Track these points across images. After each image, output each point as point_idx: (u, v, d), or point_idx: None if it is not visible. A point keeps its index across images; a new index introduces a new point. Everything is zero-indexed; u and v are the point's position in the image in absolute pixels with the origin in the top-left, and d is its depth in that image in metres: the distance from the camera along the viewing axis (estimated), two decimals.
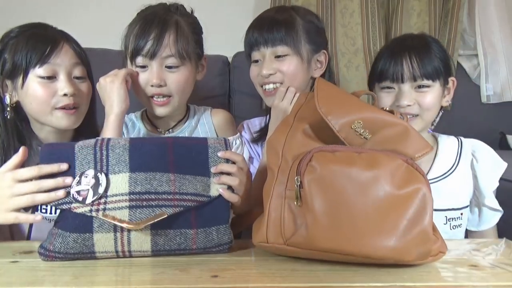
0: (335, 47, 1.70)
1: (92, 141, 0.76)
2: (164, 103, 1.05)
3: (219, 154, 0.77)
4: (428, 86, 1.08)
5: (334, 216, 0.65)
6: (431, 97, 1.08)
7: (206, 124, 1.14)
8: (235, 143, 1.13)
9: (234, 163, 0.79)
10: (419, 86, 1.08)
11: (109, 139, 0.76)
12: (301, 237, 0.66)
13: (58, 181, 0.72)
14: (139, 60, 1.03)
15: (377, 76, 1.12)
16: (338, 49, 1.69)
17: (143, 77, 1.04)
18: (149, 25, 1.02)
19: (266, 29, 1.11)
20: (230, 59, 1.68)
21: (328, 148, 0.70)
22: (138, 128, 1.13)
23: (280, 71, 1.11)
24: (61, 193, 0.71)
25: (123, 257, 0.73)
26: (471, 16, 1.76)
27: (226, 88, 1.65)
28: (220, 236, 0.74)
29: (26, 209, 0.91)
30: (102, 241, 0.70)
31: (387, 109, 0.80)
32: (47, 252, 0.71)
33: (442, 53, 1.11)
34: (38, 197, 0.72)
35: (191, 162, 0.76)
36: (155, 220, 0.70)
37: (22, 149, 0.78)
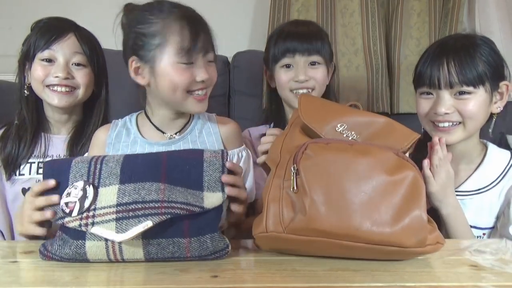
0: (335, 47, 1.69)
1: (89, 157, 0.78)
2: (205, 97, 1.03)
3: (227, 164, 0.77)
4: (469, 93, 0.99)
5: (330, 198, 0.66)
6: (473, 105, 0.99)
7: (213, 134, 1.10)
8: (242, 155, 1.10)
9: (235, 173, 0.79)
10: (460, 93, 0.99)
11: (105, 156, 0.78)
12: (299, 222, 0.67)
13: (47, 199, 0.75)
14: (187, 57, 0.96)
15: (416, 80, 1.06)
16: (338, 49, 1.69)
17: (189, 72, 0.98)
18: (196, 24, 1.00)
19: (306, 39, 1.22)
20: (230, 59, 1.68)
21: (322, 140, 0.74)
22: (134, 137, 1.06)
23: (314, 78, 1.23)
24: (48, 213, 0.74)
25: (116, 262, 0.72)
26: (471, 16, 1.76)
27: (226, 88, 1.65)
28: (215, 243, 0.72)
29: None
30: (94, 249, 0.70)
31: (354, 103, 0.87)
32: (45, 252, 0.71)
33: (491, 55, 1.00)
34: (35, 215, 0.77)
35: (184, 175, 0.74)
36: (140, 231, 0.68)
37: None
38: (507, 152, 1.09)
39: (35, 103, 1.18)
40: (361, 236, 0.65)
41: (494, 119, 1.06)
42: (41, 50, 1.12)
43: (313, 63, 1.23)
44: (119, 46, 1.58)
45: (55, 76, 1.12)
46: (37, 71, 1.13)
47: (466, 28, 1.77)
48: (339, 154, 0.69)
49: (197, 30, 1.00)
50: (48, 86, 1.13)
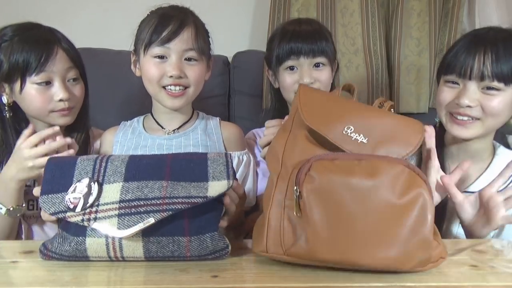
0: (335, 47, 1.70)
1: (95, 155, 0.79)
2: (180, 94, 1.06)
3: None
4: (498, 89, 0.95)
5: (333, 228, 0.63)
6: (498, 102, 0.95)
7: (215, 134, 1.13)
8: (243, 159, 1.12)
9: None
10: (488, 88, 0.95)
11: (110, 155, 0.79)
12: (300, 249, 0.65)
13: (61, 142, 0.92)
14: (157, 50, 1.03)
15: (445, 68, 1.01)
16: (338, 49, 1.68)
17: (160, 67, 1.04)
18: (168, 18, 1.04)
19: (310, 39, 1.18)
20: (230, 59, 1.68)
21: (328, 156, 0.68)
22: (139, 132, 1.13)
23: (319, 80, 1.19)
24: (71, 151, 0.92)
25: (116, 261, 0.72)
26: (471, 16, 1.76)
27: (226, 88, 1.65)
28: (215, 243, 0.72)
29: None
30: (94, 246, 0.70)
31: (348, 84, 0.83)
32: (45, 251, 0.71)
33: None
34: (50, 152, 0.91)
35: (188, 171, 0.75)
36: (142, 228, 0.68)
37: (30, 126, 0.96)
38: None
39: (14, 123, 1.07)
40: (363, 264, 0.64)
41: None
42: (34, 73, 1.01)
43: (317, 65, 1.20)
44: (119, 46, 1.58)
45: (59, 100, 1.04)
46: (36, 97, 1.02)
47: (466, 28, 1.77)
48: (345, 178, 0.64)
49: (172, 27, 1.03)
50: (53, 111, 1.05)
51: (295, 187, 0.66)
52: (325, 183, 0.64)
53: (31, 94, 1.02)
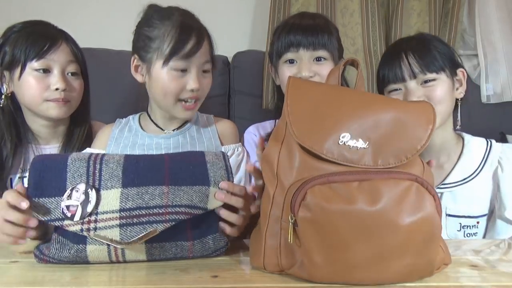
0: None
1: (86, 154, 0.75)
2: (194, 107, 1.06)
3: (221, 185, 0.73)
4: (434, 80, 1.04)
5: (333, 257, 0.60)
6: (440, 90, 1.03)
7: (210, 131, 1.14)
8: (237, 150, 1.12)
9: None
10: (425, 82, 1.04)
11: (103, 154, 0.76)
12: (298, 272, 0.64)
13: (19, 219, 0.68)
14: (180, 63, 1.00)
15: (381, 82, 1.10)
16: None
17: (181, 81, 1.01)
18: (188, 30, 1.01)
19: (311, 32, 1.13)
20: (230, 59, 1.68)
21: (323, 179, 0.61)
22: (135, 130, 1.11)
23: (319, 75, 1.13)
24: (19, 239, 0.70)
25: (117, 263, 0.72)
26: (471, 16, 1.76)
27: (226, 88, 1.65)
28: (217, 243, 0.74)
29: None
30: (96, 253, 0.69)
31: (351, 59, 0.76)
32: (42, 256, 0.70)
33: (443, 47, 1.07)
34: (5, 227, 0.69)
35: (188, 173, 0.73)
36: (147, 238, 0.68)
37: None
38: (482, 139, 1.12)
39: (12, 115, 1.09)
40: (365, 285, 0.63)
41: (458, 104, 1.10)
42: (35, 59, 1.03)
43: (318, 59, 1.13)
44: (119, 46, 1.57)
45: (56, 89, 1.05)
46: (33, 83, 1.04)
47: (466, 28, 1.77)
48: (344, 206, 0.58)
49: (194, 40, 1.01)
50: (48, 100, 1.06)
51: (290, 214, 0.62)
52: (322, 214, 0.59)
53: (29, 81, 1.04)
